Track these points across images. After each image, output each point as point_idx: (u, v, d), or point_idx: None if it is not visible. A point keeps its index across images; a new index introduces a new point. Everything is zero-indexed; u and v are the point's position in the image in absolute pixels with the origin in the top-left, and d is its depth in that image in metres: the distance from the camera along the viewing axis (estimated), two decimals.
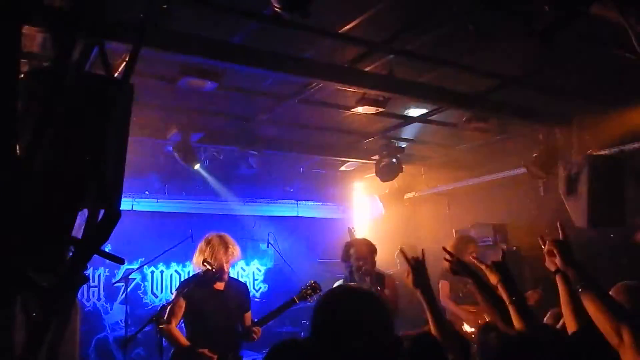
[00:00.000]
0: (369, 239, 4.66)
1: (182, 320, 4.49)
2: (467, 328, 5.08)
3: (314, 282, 4.53)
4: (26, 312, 1.84)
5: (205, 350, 4.15)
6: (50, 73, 1.84)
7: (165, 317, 4.21)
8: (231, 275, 4.71)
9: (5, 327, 1.77)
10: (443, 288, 5.24)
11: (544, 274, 5.14)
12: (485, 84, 4.72)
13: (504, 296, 2.43)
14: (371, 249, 4.48)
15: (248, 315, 4.55)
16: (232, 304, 4.42)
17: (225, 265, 4.39)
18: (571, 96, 4.92)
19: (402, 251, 2.73)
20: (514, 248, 5.60)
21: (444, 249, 2.75)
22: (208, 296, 4.35)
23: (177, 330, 4.36)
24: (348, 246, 4.55)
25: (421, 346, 2.12)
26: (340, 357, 1.49)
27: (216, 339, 4.22)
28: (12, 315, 1.79)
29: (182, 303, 4.35)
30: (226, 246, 4.41)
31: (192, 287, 4.37)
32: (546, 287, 5.08)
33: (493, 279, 2.47)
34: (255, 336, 4.30)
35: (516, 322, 2.33)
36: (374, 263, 4.44)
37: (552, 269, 2.41)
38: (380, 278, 4.43)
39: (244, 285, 4.97)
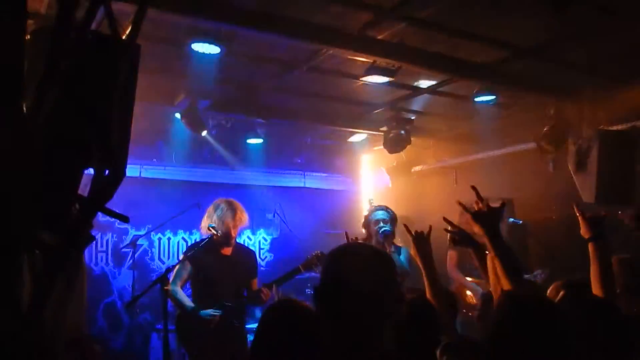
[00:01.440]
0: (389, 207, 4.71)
1: (188, 284, 4.55)
2: (471, 298, 5.12)
3: (320, 252, 4.58)
4: (33, 271, 1.86)
5: (209, 311, 4.22)
6: (53, 31, 1.82)
7: (171, 279, 4.28)
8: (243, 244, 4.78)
9: (12, 285, 1.79)
10: (451, 258, 5.27)
11: (550, 249, 5.16)
12: (497, 55, 4.65)
13: (489, 249, 2.33)
14: (391, 216, 4.56)
15: (255, 282, 4.60)
16: (238, 269, 4.47)
17: (232, 230, 4.43)
18: (584, 69, 4.85)
19: (405, 225, 2.93)
20: (520, 222, 5.58)
21: (445, 219, 2.75)
22: (214, 261, 4.41)
23: (182, 292, 4.43)
24: (367, 215, 4.66)
25: (416, 310, 2.16)
26: (341, 315, 1.50)
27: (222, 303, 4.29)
28: (20, 274, 1.82)
29: (188, 266, 4.41)
30: (234, 211, 4.45)
31: (198, 251, 4.43)
32: (552, 262, 5.08)
33: (477, 229, 2.37)
34: (264, 297, 4.35)
35: (503, 280, 2.21)
36: (393, 227, 4.53)
37: (586, 236, 2.53)
38: (398, 247, 4.54)
39: (252, 251, 5.02)
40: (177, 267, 4.36)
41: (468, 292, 5.16)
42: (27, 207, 1.76)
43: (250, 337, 4.52)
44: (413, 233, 2.75)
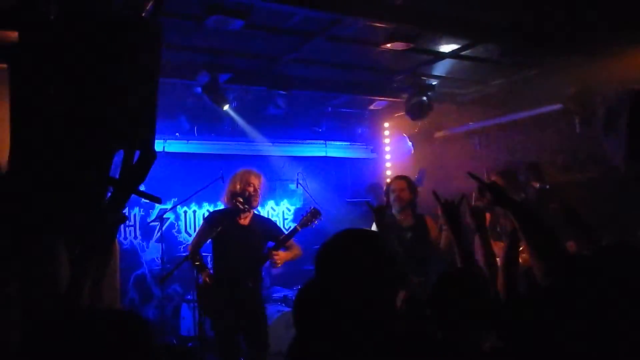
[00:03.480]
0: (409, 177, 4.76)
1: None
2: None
3: (314, 209, 4.78)
4: (70, 251, 1.91)
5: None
6: (77, 15, 1.82)
7: (192, 244, 4.61)
8: (261, 214, 5.01)
9: (50, 264, 1.84)
10: None
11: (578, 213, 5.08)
12: (521, 16, 4.52)
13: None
14: (410, 184, 4.60)
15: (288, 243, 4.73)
16: (255, 238, 4.61)
17: (258, 190, 4.60)
18: (614, 26, 4.69)
19: (434, 193, 2.82)
20: (547, 187, 5.51)
21: (470, 174, 2.55)
22: (232, 229, 4.56)
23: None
24: (387, 184, 4.72)
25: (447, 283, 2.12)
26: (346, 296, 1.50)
27: (236, 271, 4.47)
28: (57, 254, 1.86)
29: (208, 232, 4.59)
30: (256, 172, 4.69)
31: (219, 219, 4.61)
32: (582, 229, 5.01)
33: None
34: (277, 260, 4.52)
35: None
36: (412, 196, 4.57)
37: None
38: (421, 216, 4.56)
39: (270, 220, 5.15)
40: (198, 232, 4.63)
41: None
42: (61, 191, 1.79)
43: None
44: (442, 201, 2.69)
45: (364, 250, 1.60)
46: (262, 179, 4.70)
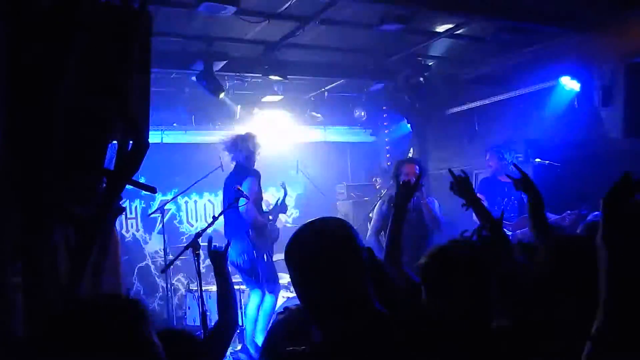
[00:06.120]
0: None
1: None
2: None
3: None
4: (68, 242, 1.91)
5: None
6: (69, 6, 1.80)
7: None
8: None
9: (50, 255, 1.84)
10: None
11: (580, 190, 5.07)
12: None
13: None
14: (418, 168, 4.70)
15: None
16: None
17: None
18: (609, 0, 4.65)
19: (449, 170, 2.84)
20: (547, 162, 5.50)
21: (515, 165, 2.84)
22: None
23: None
24: (398, 165, 4.78)
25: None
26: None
27: None
28: (55, 247, 1.86)
29: None
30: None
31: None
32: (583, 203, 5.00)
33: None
34: None
35: None
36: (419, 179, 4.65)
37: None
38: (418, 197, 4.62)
39: None
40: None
41: None
42: (57, 184, 1.78)
43: None
44: (457, 177, 2.72)
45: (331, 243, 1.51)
46: None
